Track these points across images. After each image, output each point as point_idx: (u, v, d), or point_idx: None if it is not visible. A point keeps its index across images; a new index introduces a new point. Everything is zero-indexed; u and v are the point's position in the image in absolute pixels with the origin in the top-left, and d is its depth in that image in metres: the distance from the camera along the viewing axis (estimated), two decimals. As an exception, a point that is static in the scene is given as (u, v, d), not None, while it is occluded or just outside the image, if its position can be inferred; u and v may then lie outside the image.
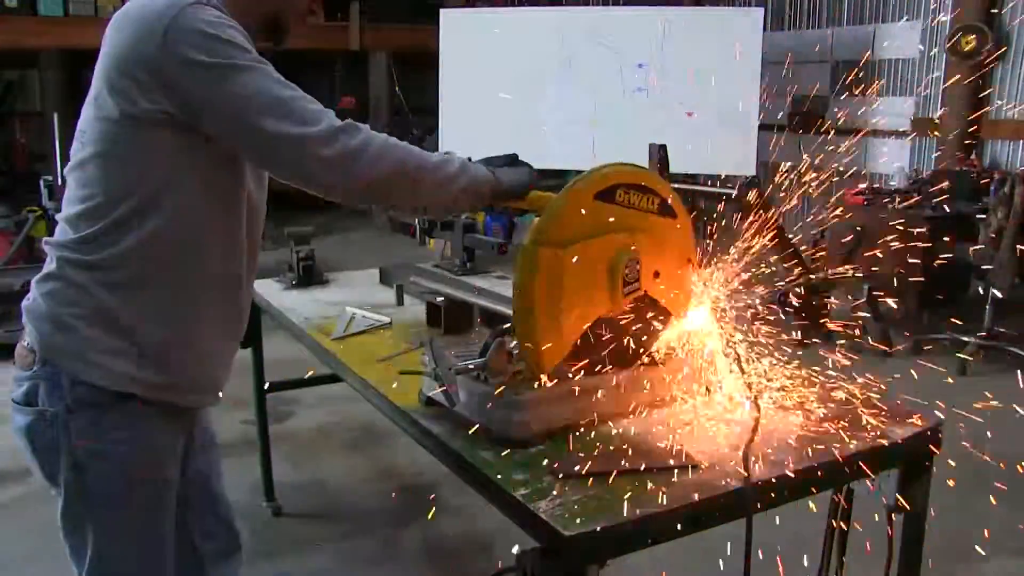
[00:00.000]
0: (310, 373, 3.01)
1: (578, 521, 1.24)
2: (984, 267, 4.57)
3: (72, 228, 1.43)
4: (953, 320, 5.31)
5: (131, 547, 1.51)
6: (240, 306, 1.62)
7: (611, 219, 1.53)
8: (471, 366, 1.58)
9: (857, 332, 5.08)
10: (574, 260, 1.49)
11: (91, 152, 1.41)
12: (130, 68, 1.34)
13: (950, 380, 4.57)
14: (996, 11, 6.00)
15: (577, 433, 1.57)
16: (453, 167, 1.45)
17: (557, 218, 1.50)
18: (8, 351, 4.93)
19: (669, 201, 1.63)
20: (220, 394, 1.67)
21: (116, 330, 1.42)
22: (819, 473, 1.46)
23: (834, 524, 1.90)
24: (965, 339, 4.87)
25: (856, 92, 7.14)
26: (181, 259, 1.45)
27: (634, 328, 1.63)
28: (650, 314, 1.63)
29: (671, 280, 1.65)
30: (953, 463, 3.46)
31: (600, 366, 1.63)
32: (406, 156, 1.40)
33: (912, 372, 4.69)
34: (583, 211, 1.50)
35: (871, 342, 4.95)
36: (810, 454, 1.49)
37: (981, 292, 5.18)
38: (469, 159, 1.52)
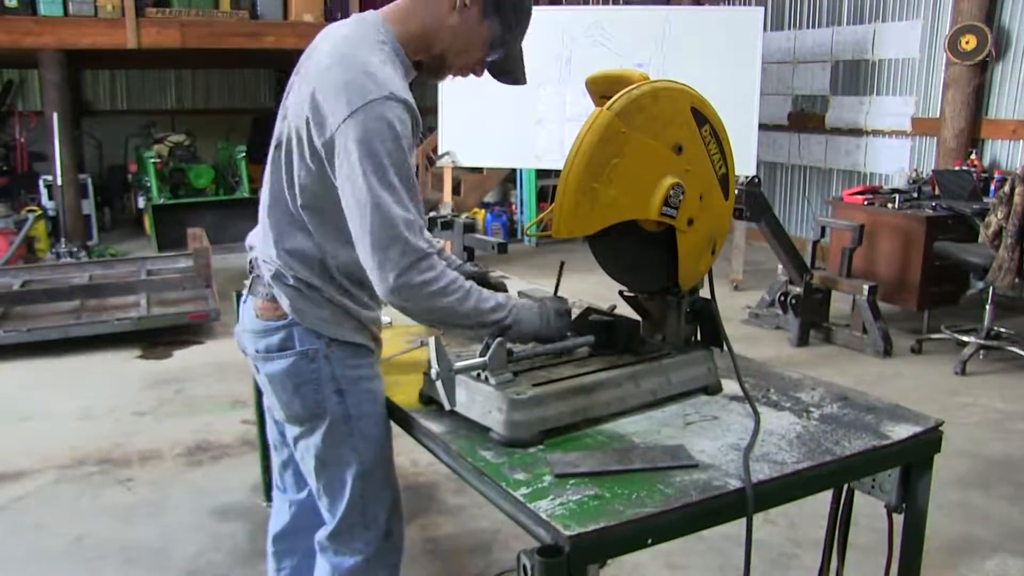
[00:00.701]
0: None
1: (578, 521, 1.24)
2: (984, 267, 4.57)
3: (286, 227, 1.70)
4: (953, 320, 5.32)
5: (386, 461, 1.80)
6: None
7: (685, 143, 1.58)
8: (471, 366, 1.58)
9: (857, 332, 5.09)
10: (634, 148, 1.53)
11: (285, 168, 1.65)
12: (314, 121, 1.54)
13: (950, 380, 4.58)
14: (996, 11, 6.00)
15: (577, 433, 1.57)
16: (499, 317, 1.62)
17: (640, 103, 1.53)
18: (8, 351, 4.90)
19: (730, 178, 1.67)
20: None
21: (331, 299, 1.70)
22: (819, 473, 1.46)
23: (834, 524, 1.90)
24: (965, 339, 4.87)
25: (856, 92, 7.15)
26: (349, 265, 1.68)
27: (649, 256, 1.68)
28: (666, 253, 1.67)
29: (697, 238, 1.68)
30: (953, 463, 3.48)
31: (610, 268, 1.69)
32: (465, 300, 1.58)
33: (912, 372, 4.71)
34: (671, 112, 1.55)
35: (871, 342, 4.95)
36: (810, 454, 1.49)
37: (981, 292, 5.18)
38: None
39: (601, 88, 1.64)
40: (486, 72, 1.80)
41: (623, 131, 1.51)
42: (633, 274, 1.75)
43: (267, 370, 1.74)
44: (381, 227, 1.50)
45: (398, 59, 1.63)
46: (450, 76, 1.77)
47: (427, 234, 1.99)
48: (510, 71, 1.80)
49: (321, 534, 1.85)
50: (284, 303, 1.69)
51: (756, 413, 1.62)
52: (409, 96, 1.56)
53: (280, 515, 2.11)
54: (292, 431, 1.79)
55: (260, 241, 1.77)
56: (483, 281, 2.02)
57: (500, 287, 1.92)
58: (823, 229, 5.42)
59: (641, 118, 1.54)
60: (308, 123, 1.56)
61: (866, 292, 4.93)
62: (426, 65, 1.71)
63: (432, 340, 1.63)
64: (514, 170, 8.10)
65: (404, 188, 1.52)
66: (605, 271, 1.74)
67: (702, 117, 1.62)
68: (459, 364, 1.59)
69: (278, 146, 1.67)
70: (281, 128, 1.67)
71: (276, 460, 2.08)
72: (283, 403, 1.75)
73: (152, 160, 8.14)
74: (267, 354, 1.73)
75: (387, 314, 2.39)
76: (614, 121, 1.51)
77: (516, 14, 1.72)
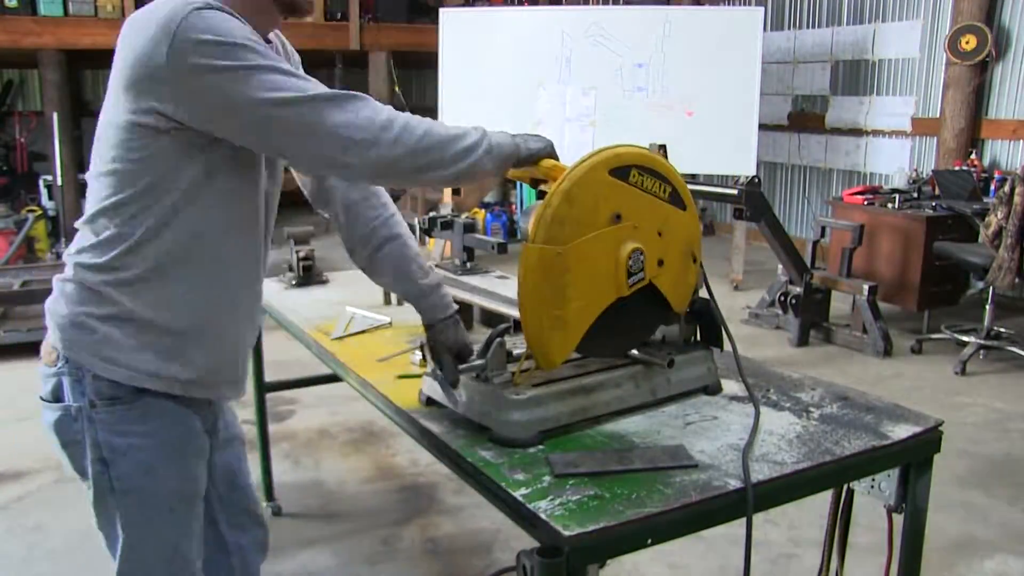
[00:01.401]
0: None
1: (578, 521, 1.24)
2: (984, 267, 4.57)
3: (91, 231, 1.46)
4: (953, 320, 5.32)
5: (160, 538, 1.54)
6: (259, 295, 1.66)
7: (620, 201, 1.52)
8: (471, 366, 1.58)
9: (857, 332, 5.09)
10: (576, 257, 1.48)
11: (109, 157, 1.41)
12: (141, 78, 1.33)
13: (950, 380, 4.58)
14: (996, 11, 6.00)
15: (577, 433, 1.57)
16: (475, 137, 1.44)
17: (559, 217, 1.48)
18: (8, 351, 4.91)
19: (680, 191, 1.62)
20: (241, 388, 1.68)
21: (135, 328, 1.44)
22: (819, 473, 1.46)
23: (834, 524, 1.90)
24: (965, 339, 4.87)
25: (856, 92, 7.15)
26: (200, 252, 1.47)
27: (637, 318, 1.63)
28: (652, 305, 1.64)
29: (674, 271, 1.65)
30: (953, 463, 3.48)
31: (609, 353, 1.64)
32: (429, 127, 1.38)
33: (912, 372, 4.71)
34: (591, 199, 1.49)
35: (871, 342, 4.95)
36: (810, 454, 1.49)
37: (981, 292, 5.18)
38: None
39: (532, 180, 1.59)
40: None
41: (557, 252, 1.46)
42: (633, 338, 1.71)
43: (42, 417, 1.52)
44: (296, 100, 1.30)
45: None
46: (302, 7, 1.54)
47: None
48: None
49: None
50: (55, 337, 1.47)
51: (757, 411, 1.62)
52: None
53: None
54: None
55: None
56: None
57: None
58: (823, 229, 5.42)
59: (568, 228, 1.46)
60: (126, 86, 1.35)
61: (866, 292, 4.93)
62: (283, 5, 1.50)
63: (425, 345, 1.63)
64: (514, 170, 8.09)
65: (275, 61, 1.33)
66: (607, 357, 1.69)
67: (622, 170, 1.52)
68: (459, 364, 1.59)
69: (96, 143, 1.45)
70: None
71: None
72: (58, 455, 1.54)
73: (152, 160, 8.12)
74: (41, 400, 1.52)
75: (387, 314, 2.39)
76: (544, 251, 1.45)
77: None
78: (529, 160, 1.52)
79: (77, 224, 1.50)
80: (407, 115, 1.39)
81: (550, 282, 1.47)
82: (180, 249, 1.44)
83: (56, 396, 1.48)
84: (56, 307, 1.48)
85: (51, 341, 1.49)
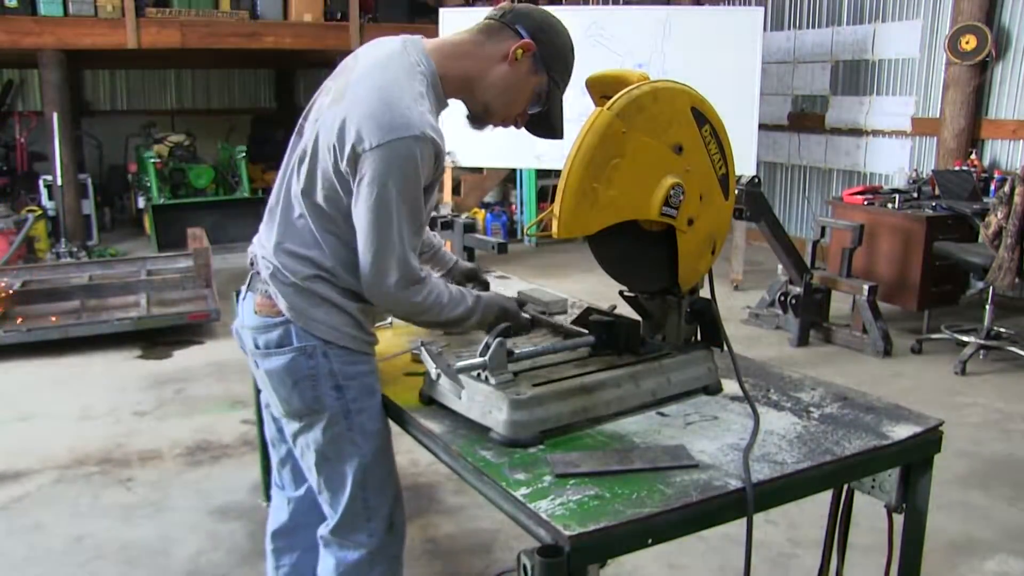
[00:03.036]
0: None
1: (578, 521, 1.24)
2: (984, 267, 4.57)
3: (297, 227, 1.74)
4: (953, 320, 5.32)
5: (385, 448, 1.82)
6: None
7: (685, 143, 1.57)
8: (471, 365, 1.58)
9: (857, 332, 5.09)
10: (634, 147, 1.53)
11: (305, 175, 1.70)
12: (347, 142, 1.58)
13: (950, 380, 4.58)
14: (996, 11, 6.00)
15: (577, 433, 1.57)
16: (472, 322, 1.80)
17: (640, 103, 1.52)
18: (8, 351, 4.89)
19: (730, 178, 1.67)
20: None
21: (329, 302, 1.73)
22: (819, 473, 1.46)
23: (834, 524, 1.90)
24: (965, 339, 4.87)
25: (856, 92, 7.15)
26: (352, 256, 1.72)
27: (648, 257, 1.68)
28: (667, 252, 1.66)
29: (697, 241, 1.67)
30: (953, 463, 3.48)
31: (609, 268, 1.69)
32: (440, 312, 1.73)
33: (912, 372, 4.71)
34: (671, 112, 1.54)
35: (871, 342, 4.95)
36: (810, 454, 1.49)
37: (981, 292, 5.18)
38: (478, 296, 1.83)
39: (601, 88, 1.64)
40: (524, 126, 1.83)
41: (623, 131, 1.51)
42: (633, 274, 1.75)
43: (266, 366, 1.76)
44: (383, 254, 1.61)
45: (433, 92, 1.67)
46: (491, 126, 1.80)
47: (428, 233, 2.17)
48: (549, 126, 1.81)
49: (323, 529, 1.86)
50: (281, 303, 1.72)
51: (756, 413, 1.62)
52: (437, 133, 1.60)
53: (278, 512, 2.13)
54: (291, 427, 1.81)
55: (262, 239, 1.80)
56: (474, 277, 2.23)
57: (486, 284, 2.18)
58: (823, 229, 5.42)
59: (641, 118, 1.54)
60: (335, 146, 1.60)
61: (866, 292, 4.93)
62: (471, 113, 1.77)
63: (423, 348, 1.64)
64: (514, 170, 8.10)
65: (410, 221, 1.61)
66: (605, 271, 1.74)
67: (702, 117, 1.62)
68: (459, 364, 1.60)
69: (302, 156, 1.70)
70: (308, 136, 1.70)
71: (274, 457, 2.10)
72: (282, 399, 1.77)
73: (152, 160, 8.13)
74: (266, 350, 1.75)
75: (387, 315, 2.39)
76: (614, 121, 1.50)
77: (562, 72, 1.75)
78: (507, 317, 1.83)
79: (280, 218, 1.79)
80: (436, 304, 1.72)
81: (603, 152, 1.51)
82: (347, 271, 1.73)
83: (283, 342, 1.72)
84: (281, 275, 1.72)
85: (269, 294, 1.73)
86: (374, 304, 1.72)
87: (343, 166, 1.60)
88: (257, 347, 1.77)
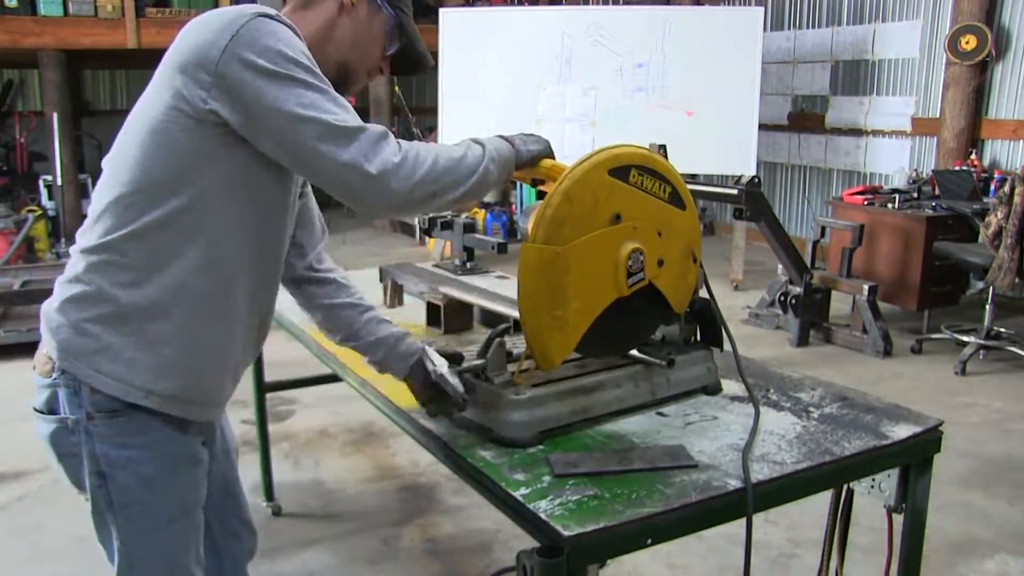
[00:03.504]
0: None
1: (578, 521, 1.24)
2: (984, 267, 4.57)
3: (103, 222, 1.39)
4: (953, 320, 5.32)
5: (160, 551, 1.52)
6: (271, 315, 1.65)
7: (619, 202, 1.52)
8: (471, 366, 1.58)
9: (857, 332, 5.09)
10: (576, 257, 1.47)
11: (136, 141, 1.39)
12: (191, 66, 1.33)
13: (950, 380, 4.58)
14: (996, 11, 6.00)
15: (577, 433, 1.57)
16: (478, 152, 1.47)
17: (558, 217, 1.48)
18: (8, 351, 4.90)
19: (679, 191, 1.62)
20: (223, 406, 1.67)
21: (139, 340, 1.40)
22: (819, 473, 1.46)
23: (834, 524, 1.90)
24: (965, 339, 4.87)
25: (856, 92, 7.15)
26: (221, 263, 1.43)
27: (636, 319, 1.63)
28: (652, 305, 1.63)
29: (674, 272, 1.64)
30: (953, 463, 3.48)
31: (608, 353, 1.64)
32: (436, 154, 1.41)
33: (912, 372, 4.71)
34: (591, 199, 1.49)
35: (871, 342, 4.95)
36: (810, 454, 1.49)
37: (981, 292, 5.18)
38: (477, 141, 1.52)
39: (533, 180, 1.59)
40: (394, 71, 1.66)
41: (557, 251, 1.45)
42: (633, 338, 1.71)
43: (36, 428, 1.52)
44: (329, 134, 1.32)
45: None
46: (359, 83, 1.60)
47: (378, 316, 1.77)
48: (413, 59, 1.64)
49: None
50: (50, 346, 1.43)
51: (756, 411, 1.62)
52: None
53: None
54: None
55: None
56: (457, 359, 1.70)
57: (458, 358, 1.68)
58: (823, 229, 5.42)
59: (567, 229, 1.46)
60: (172, 75, 1.36)
61: (866, 292, 4.93)
62: (332, 81, 1.44)
63: (424, 346, 1.64)
64: (514, 170, 8.10)
65: (320, 83, 1.35)
66: (607, 357, 1.69)
67: (621, 170, 1.52)
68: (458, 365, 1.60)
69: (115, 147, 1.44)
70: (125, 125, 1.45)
71: None
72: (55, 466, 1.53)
73: (152, 160, 8.13)
74: (35, 411, 1.51)
75: (387, 315, 2.39)
76: (544, 251, 1.45)
77: None
78: (529, 162, 1.55)
79: (90, 211, 1.45)
80: (415, 146, 1.40)
81: (549, 282, 1.47)
82: (201, 258, 1.40)
83: (51, 408, 1.45)
84: (55, 314, 1.43)
85: (46, 350, 1.45)
86: (379, 205, 1.38)
87: (197, 95, 1.32)
88: (34, 407, 1.54)
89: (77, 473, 1.47)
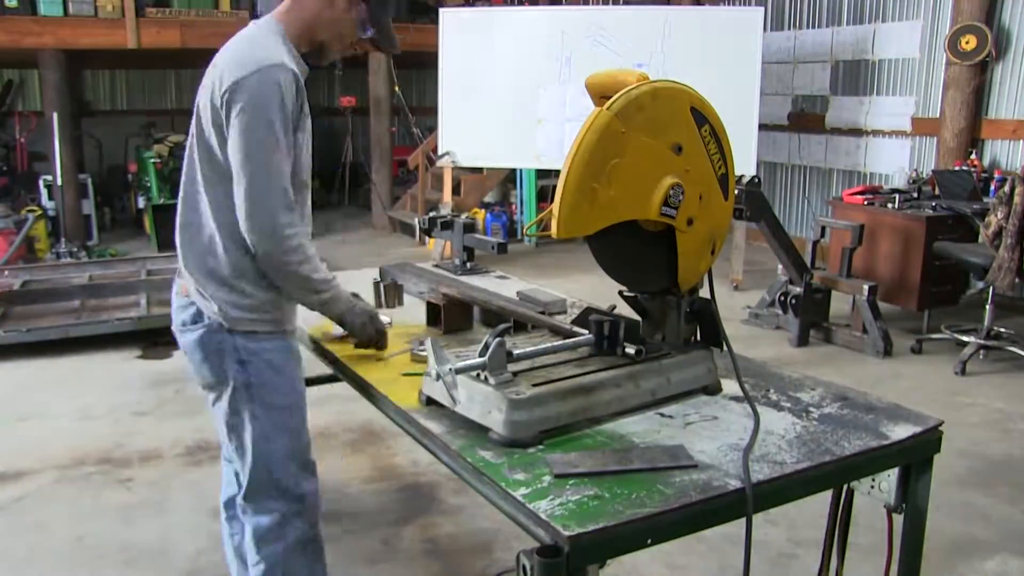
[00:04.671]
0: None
1: (578, 521, 1.24)
2: (984, 267, 4.57)
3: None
4: (953, 320, 5.32)
5: (282, 424, 1.93)
6: None
7: (684, 143, 1.57)
8: (471, 365, 1.58)
9: (857, 332, 5.09)
10: (633, 148, 1.53)
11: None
12: (213, 111, 1.78)
13: (950, 380, 4.58)
14: (996, 11, 6.00)
15: (577, 433, 1.57)
16: (330, 287, 1.91)
17: (640, 103, 1.53)
18: (8, 351, 4.89)
19: (729, 178, 1.67)
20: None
21: (236, 293, 1.88)
22: (819, 473, 1.46)
23: (834, 524, 1.90)
24: (965, 339, 4.87)
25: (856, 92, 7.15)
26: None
27: (648, 259, 1.67)
28: (666, 252, 1.67)
29: (696, 241, 1.67)
30: (953, 463, 3.48)
31: (609, 270, 1.70)
32: (308, 283, 1.87)
33: (912, 372, 4.71)
34: (670, 112, 1.54)
35: (871, 342, 4.95)
36: (810, 454, 1.49)
37: (981, 292, 5.18)
38: (355, 295, 2.03)
39: (601, 88, 1.64)
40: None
41: (622, 131, 1.51)
42: (633, 274, 1.75)
43: (183, 341, 1.95)
44: (261, 182, 1.75)
45: (286, 44, 1.87)
46: (332, 57, 1.99)
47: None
48: (387, 43, 2.01)
49: (239, 496, 2.00)
50: (190, 284, 1.91)
51: (755, 413, 1.62)
52: (296, 63, 1.83)
53: (229, 483, 2.24)
54: (209, 399, 1.97)
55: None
56: None
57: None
58: (823, 229, 5.41)
59: (640, 118, 1.54)
60: (212, 103, 1.79)
61: (866, 292, 4.93)
62: (308, 53, 1.93)
63: (429, 341, 1.63)
64: (514, 170, 8.10)
65: (284, 149, 1.77)
66: (604, 270, 1.74)
67: (702, 117, 1.62)
68: (459, 364, 1.60)
69: (195, 140, 1.88)
70: (195, 121, 1.87)
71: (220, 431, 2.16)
72: (196, 371, 1.95)
73: (152, 160, 8.14)
74: (182, 327, 1.94)
75: (386, 315, 2.39)
76: (613, 121, 1.51)
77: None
78: (336, 320, 2.00)
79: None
80: (312, 254, 1.85)
81: (603, 152, 1.51)
82: (239, 246, 1.86)
83: (196, 319, 1.90)
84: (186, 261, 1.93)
85: (184, 281, 1.92)
86: (255, 247, 1.80)
87: (222, 114, 1.76)
88: (179, 324, 1.95)
89: (219, 366, 1.89)
